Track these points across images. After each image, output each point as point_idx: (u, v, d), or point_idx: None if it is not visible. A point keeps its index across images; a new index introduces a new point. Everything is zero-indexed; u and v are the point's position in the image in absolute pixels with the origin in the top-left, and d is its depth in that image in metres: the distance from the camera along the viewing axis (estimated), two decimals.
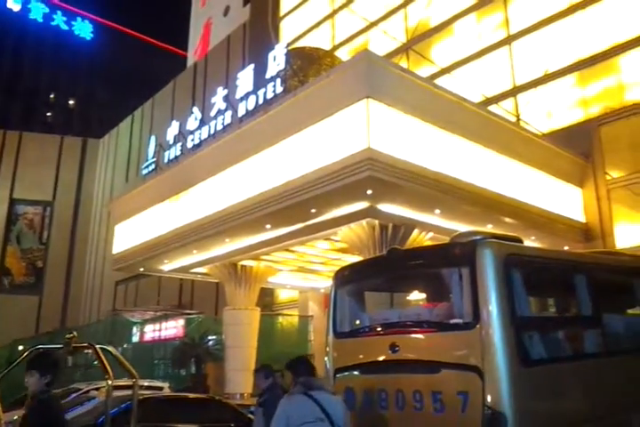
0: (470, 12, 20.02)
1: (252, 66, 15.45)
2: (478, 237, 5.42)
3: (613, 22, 16.23)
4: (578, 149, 15.69)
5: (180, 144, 17.56)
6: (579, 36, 16.84)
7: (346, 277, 6.52)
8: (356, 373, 5.91)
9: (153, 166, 18.78)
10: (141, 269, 19.09)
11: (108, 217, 35.97)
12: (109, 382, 5.03)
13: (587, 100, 16.56)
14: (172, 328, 23.76)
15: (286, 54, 14.37)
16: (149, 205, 17.19)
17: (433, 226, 13.16)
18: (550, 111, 17.29)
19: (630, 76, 15.85)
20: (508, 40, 18.57)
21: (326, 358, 6.24)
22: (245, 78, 15.32)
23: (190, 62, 43.42)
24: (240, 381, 16.97)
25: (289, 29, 28.67)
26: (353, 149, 10.94)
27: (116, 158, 44.03)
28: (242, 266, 17.65)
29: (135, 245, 17.46)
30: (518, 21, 18.48)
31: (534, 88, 17.56)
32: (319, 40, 26.22)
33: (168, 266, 18.17)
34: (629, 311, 7.46)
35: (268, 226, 13.69)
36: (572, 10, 17.10)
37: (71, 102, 70.99)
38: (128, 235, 18.15)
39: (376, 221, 12.84)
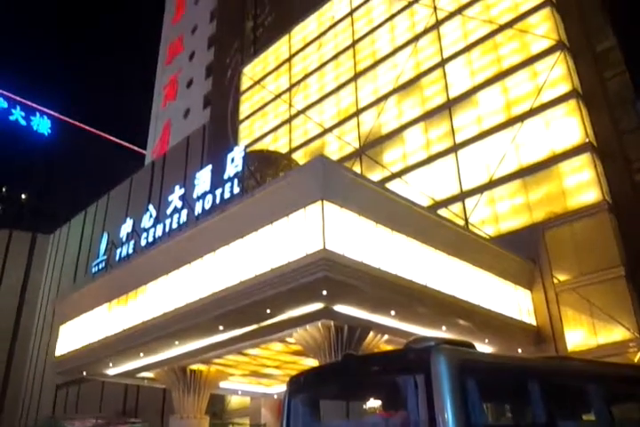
0: (418, 122, 21.26)
1: (209, 166, 15.80)
2: (432, 344, 5.40)
3: (550, 133, 17.46)
4: (525, 252, 16.21)
5: (132, 242, 17.36)
6: (520, 145, 18.01)
7: (300, 384, 6.31)
8: None
9: (103, 264, 18.36)
10: (84, 373, 18.06)
11: (53, 316, 34.45)
12: None
13: (531, 206, 17.36)
14: None
15: (244, 156, 14.81)
16: (97, 305, 16.61)
17: (388, 328, 13.06)
18: (497, 215, 18.00)
19: (570, 183, 16.80)
20: (454, 148, 19.64)
21: None
22: (203, 178, 15.58)
23: (148, 160, 44.08)
24: None
25: (247, 132, 29.72)
26: (308, 250, 11.04)
27: (65, 255, 42.99)
28: (191, 370, 16.89)
29: (79, 346, 16.65)
30: (463, 132, 19.68)
31: (480, 193, 18.38)
32: (277, 142, 27.23)
33: (113, 370, 17.27)
34: (584, 417, 7.38)
35: (221, 327, 13.34)
36: (512, 122, 18.38)
37: (23, 196, 70.23)
38: (73, 336, 17.33)
39: (331, 323, 12.68)
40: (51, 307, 36.07)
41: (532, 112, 17.93)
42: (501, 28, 19.60)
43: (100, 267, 18.39)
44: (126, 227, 17.97)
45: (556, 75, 17.75)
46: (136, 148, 65.27)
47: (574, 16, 18.38)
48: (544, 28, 18.52)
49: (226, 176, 14.74)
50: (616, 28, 11.53)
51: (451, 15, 21.40)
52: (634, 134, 16.21)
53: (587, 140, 16.64)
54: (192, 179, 16.11)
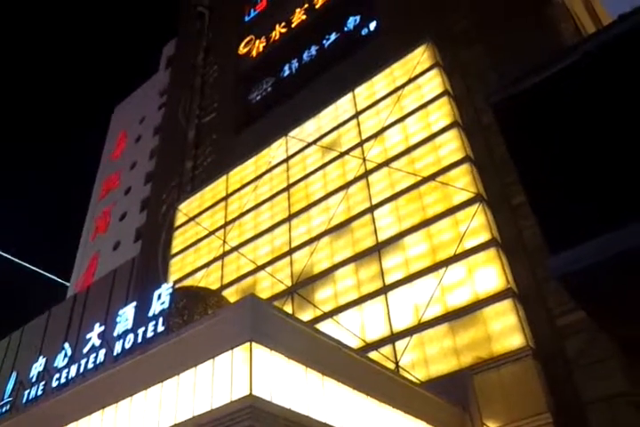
0: (349, 263, 21.78)
1: (134, 303, 15.41)
2: None
3: (473, 279, 18.18)
4: (455, 397, 15.98)
5: (43, 383, 16.16)
6: (445, 289, 18.56)
7: None
8: None
9: (8, 407, 16.85)
10: None
11: None
12: None
13: (459, 350, 17.46)
14: None
15: (171, 293, 14.56)
16: None
17: None
18: (427, 359, 17.94)
19: (495, 328, 17.16)
20: (384, 290, 20.01)
21: None
22: (126, 315, 15.09)
23: (70, 293, 42.35)
24: None
25: (179, 266, 29.42)
26: (234, 396, 10.54)
27: None
28: None
29: None
30: (392, 274, 20.20)
31: (410, 336, 18.44)
32: (208, 278, 26.96)
33: None
34: None
35: None
36: (437, 267, 19.10)
37: None
38: None
39: None
40: None
41: (456, 258, 18.78)
42: (424, 180, 21.14)
43: (5, 410, 16.86)
44: (37, 366, 16.84)
45: (476, 224, 18.95)
46: (59, 279, 62.93)
47: (491, 172, 20.12)
48: (464, 182, 20.09)
49: (151, 313, 14.34)
50: (524, 186, 12.70)
51: (378, 166, 23.03)
52: (551, 283, 17.05)
53: (508, 287, 17.37)
54: (114, 315, 15.55)
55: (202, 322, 12.66)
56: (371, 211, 22.31)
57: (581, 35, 22.99)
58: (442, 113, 22.34)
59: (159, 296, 14.59)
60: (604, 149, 10.04)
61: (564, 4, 24.54)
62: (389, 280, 20.14)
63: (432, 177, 21.01)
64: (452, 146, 21.26)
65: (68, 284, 47.50)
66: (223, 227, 28.52)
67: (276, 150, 28.46)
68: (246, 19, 38.52)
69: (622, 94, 10.17)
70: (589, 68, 10.32)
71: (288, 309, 21.85)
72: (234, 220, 28.17)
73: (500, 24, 22.43)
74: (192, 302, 18.16)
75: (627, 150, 9.98)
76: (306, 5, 33.84)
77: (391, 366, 17.75)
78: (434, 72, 23.59)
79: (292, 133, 27.95)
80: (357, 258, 21.70)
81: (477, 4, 24.05)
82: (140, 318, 14.59)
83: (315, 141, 26.58)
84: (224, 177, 30.54)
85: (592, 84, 10.02)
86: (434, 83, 23.36)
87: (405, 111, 23.63)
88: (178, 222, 31.55)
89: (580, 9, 28.53)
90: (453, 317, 17.90)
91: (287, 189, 26.43)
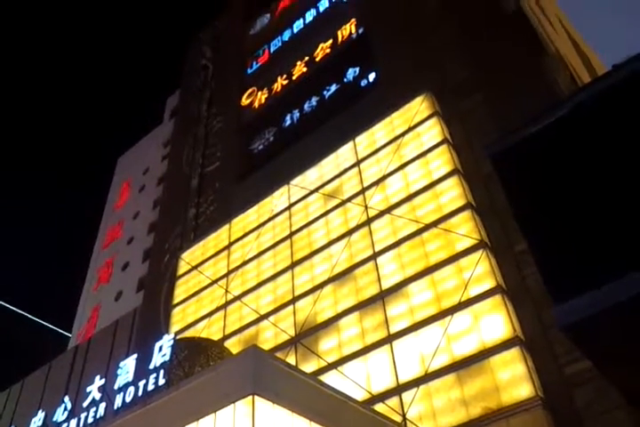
0: (353, 311, 21.51)
1: (134, 355, 15.21)
2: None
3: (479, 327, 17.90)
4: None
5: None
6: (451, 337, 18.25)
7: None
8: None
9: None
10: None
11: None
12: None
13: (467, 401, 17.02)
14: None
15: (173, 345, 14.40)
16: None
17: None
18: (434, 411, 17.44)
19: (503, 378, 16.77)
20: (389, 339, 19.67)
21: None
22: (127, 367, 14.89)
23: (72, 344, 41.80)
24: None
25: (180, 316, 29.11)
26: None
27: None
28: None
29: None
30: (397, 323, 19.91)
31: (417, 387, 18.02)
32: (210, 328, 26.62)
33: None
34: None
35: None
36: (442, 315, 18.86)
37: None
38: None
39: None
40: None
41: (461, 306, 18.54)
42: (427, 227, 21.14)
43: None
44: (37, 420, 16.50)
45: (481, 271, 18.82)
46: (60, 330, 62.29)
47: (493, 218, 20.14)
48: (466, 228, 20.08)
49: (152, 366, 14.15)
50: (525, 235, 12.71)
51: (380, 214, 23.10)
52: (557, 329, 16.80)
53: (514, 335, 17.09)
54: (115, 367, 15.35)
55: (203, 374, 12.47)
56: (373, 258, 22.20)
57: (577, 84, 23.53)
58: (442, 161, 22.58)
59: (160, 348, 14.43)
60: (601, 198, 10.12)
61: (559, 54, 25.24)
62: (394, 329, 19.83)
63: (434, 224, 21.02)
64: (452, 193, 21.38)
65: (69, 335, 46.95)
66: (226, 276, 28.36)
67: (278, 198, 28.65)
68: (249, 71, 39.61)
69: (618, 144, 10.31)
70: (584, 118, 10.52)
71: (291, 359, 21.47)
72: (236, 268, 28.06)
73: (498, 74, 22.98)
74: (193, 354, 17.93)
75: (624, 200, 10.04)
76: (306, 58, 34.85)
77: (398, 418, 17.27)
78: (433, 121, 23.99)
79: (295, 182, 28.21)
80: (361, 306, 21.44)
81: (475, 55, 24.71)
82: (141, 371, 14.38)
83: (317, 189, 26.79)
84: (227, 225, 30.63)
85: (587, 135, 10.20)
86: (433, 131, 23.72)
87: (405, 159, 23.90)
88: (180, 271, 31.42)
89: (575, 59, 29.32)
90: (460, 366, 17.51)
91: (290, 236, 26.44)
